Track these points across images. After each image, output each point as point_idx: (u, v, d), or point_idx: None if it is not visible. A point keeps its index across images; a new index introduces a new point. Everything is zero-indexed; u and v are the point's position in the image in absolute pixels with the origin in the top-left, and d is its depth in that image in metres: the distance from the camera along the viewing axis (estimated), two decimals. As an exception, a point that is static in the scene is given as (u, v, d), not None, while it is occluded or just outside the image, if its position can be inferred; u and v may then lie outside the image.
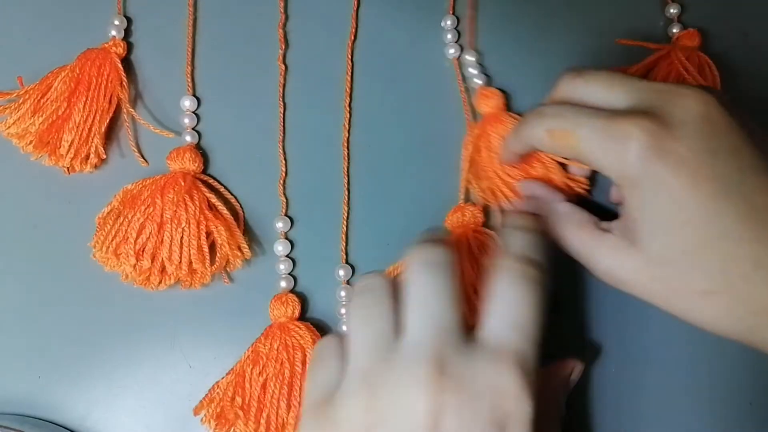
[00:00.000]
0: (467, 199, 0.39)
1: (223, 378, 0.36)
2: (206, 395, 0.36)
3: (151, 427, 0.37)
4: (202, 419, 0.35)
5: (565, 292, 0.38)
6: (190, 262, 0.36)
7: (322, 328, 0.38)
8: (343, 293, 0.38)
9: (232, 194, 0.39)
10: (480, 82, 0.40)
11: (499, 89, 0.39)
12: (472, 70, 0.40)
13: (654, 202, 0.28)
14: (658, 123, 0.27)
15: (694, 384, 0.37)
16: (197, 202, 0.36)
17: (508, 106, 0.39)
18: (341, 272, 0.38)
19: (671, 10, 0.40)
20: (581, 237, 0.32)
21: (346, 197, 0.39)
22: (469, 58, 0.40)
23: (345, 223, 0.39)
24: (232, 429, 0.35)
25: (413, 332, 0.27)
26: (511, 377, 0.26)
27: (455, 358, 0.26)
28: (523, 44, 0.41)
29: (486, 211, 0.38)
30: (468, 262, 0.36)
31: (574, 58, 0.40)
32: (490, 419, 0.25)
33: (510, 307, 0.28)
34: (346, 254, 0.39)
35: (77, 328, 0.37)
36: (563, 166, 0.37)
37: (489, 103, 0.39)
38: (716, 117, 0.28)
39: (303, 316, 0.38)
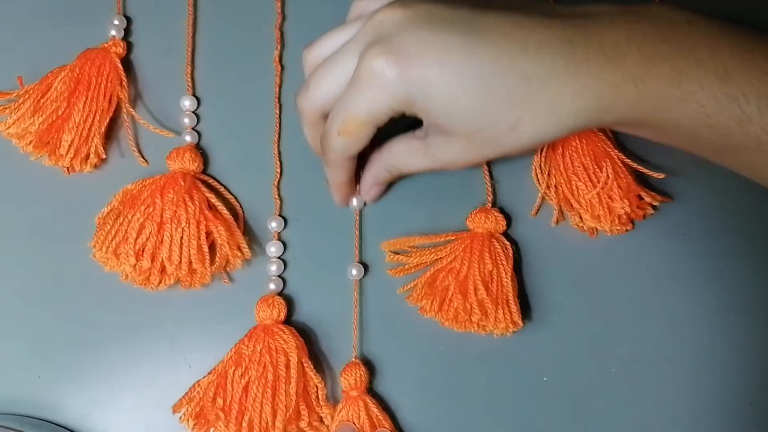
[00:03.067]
0: (494, 203, 0.39)
1: (204, 377, 0.36)
2: (186, 393, 0.35)
3: (151, 427, 0.37)
4: (180, 417, 0.35)
5: (565, 293, 0.38)
6: (190, 262, 0.35)
7: (306, 333, 0.37)
8: (354, 271, 0.38)
9: (231, 194, 0.39)
10: None
11: None
12: None
13: (433, 95, 0.29)
14: (380, 45, 0.29)
15: (694, 384, 0.37)
16: (197, 202, 0.36)
17: None
18: (354, 271, 0.38)
19: None
20: (412, 154, 0.34)
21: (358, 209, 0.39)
22: None
23: (358, 223, 0.39)
24: (212, 430, 0.35)
25: None
26: None
27: None
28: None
29: (509, 219, 0.39)
30: (478, 265, 0.36)
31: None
32: None
33: None
34: (360, 253, 0.38)
35: (77, 328, 0.37)
36: (637, 173, 0.37)
37: None
38: (407, 9, 0.30)
39: (289, 319, 0.38)
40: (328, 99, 0.32)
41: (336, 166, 0.35)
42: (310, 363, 0.36)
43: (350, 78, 0.31)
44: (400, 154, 0.34)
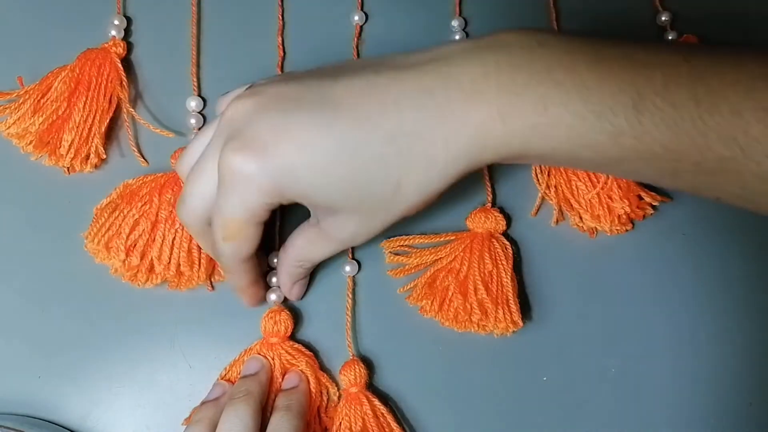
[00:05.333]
0: (494, 203, 0.39)
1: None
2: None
3: (151, 427, 0.37)
4: None
5: (565, 293, 0.38)
6: (179, 265, 0.35)
7: (312, 348, 0.37)
8: (348, 268, 0.38)
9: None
10: None
11: None
12: None
13: (301, 178, 0.28)
14: (235, 141, 0.28)
15: (693, 384, 0.38)
16: None
17: None
18: (347, 267, 0.38)
19: (662, 18, 0.41)
20: (314, 243, 0.33)
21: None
22: None
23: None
24: None
25: None
26: None
27: None
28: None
29: (509, 219, 0.39)
30: (478, 265, 0.36)
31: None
32: None
33: None
34: (352, 250, 0.39)
35: (77, 328, 0.37)
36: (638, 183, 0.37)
37: None
38: (257, 96, 0.29)
39: (296, 329, 0.38)
40: (205, 206, 0.31)
41: (234, 271, 0.33)
42: (323, 376, 0.36)
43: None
44: (303, 247, 0.34)
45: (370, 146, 0.28)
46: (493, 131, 0.28)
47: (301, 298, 0.37)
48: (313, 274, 0.38)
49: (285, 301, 0.38)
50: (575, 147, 0.28)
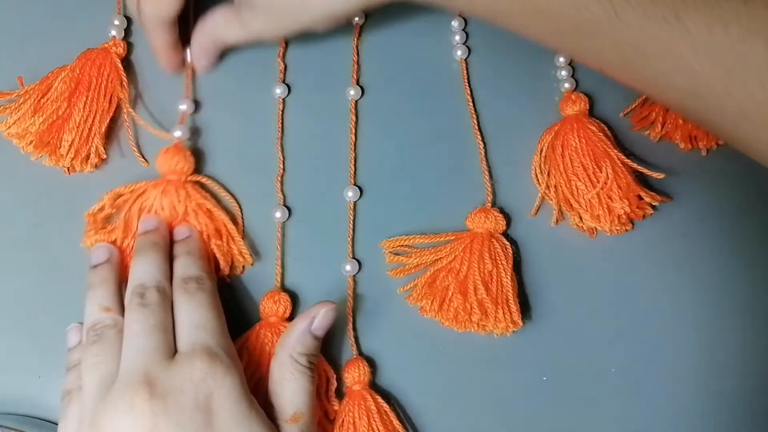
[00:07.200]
0: (494, 203, 0.39)
1: None
2: None
3: (151, 427, 0.37)
4: None
5: (565, 293, 0.38)
6: None
7: None
8: (348, 267, 0.38)
9: (231, 195, 0.39)
10: (568, 86, 0.40)
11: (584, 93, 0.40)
12: (563, 73, 0.40)
13: None
14: None
15: (694, 384, 0.38)
16: (193, 205, 0.37)
17: (590, 111, 0.40)
18: (348, 267, 0.38)
19: None
20: (230, 25, 0.37)
21: (352, 203, 0.39)
22: (561, 60, 0.41)
23: (351, 221, 0.39)
24: None
25: (125, 364, 0.30)
26: (203, 364, 0.30)
27: (161, 375, 0.29)
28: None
29: (509, 219, 0.39)
30: (478, 265, 0.36)
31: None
32: (195, 407, 0.29)
33: (187, 316, 0.32)
34: (353, 248, 0.39)
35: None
36: (637, 173, 0.38)
37: (574, 107, 0.39)
38: None
39: (292, 316, 0.38)
40: None
41: (152, 29, 0.37)
42: (321, 356, 0.36)
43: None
44: (220, 25, 0.37)
45: None
46: None
47: (208, 71, 0.40)
48: (313, 273, 0.38)
49: (286, 288, 0.38)
50: None
